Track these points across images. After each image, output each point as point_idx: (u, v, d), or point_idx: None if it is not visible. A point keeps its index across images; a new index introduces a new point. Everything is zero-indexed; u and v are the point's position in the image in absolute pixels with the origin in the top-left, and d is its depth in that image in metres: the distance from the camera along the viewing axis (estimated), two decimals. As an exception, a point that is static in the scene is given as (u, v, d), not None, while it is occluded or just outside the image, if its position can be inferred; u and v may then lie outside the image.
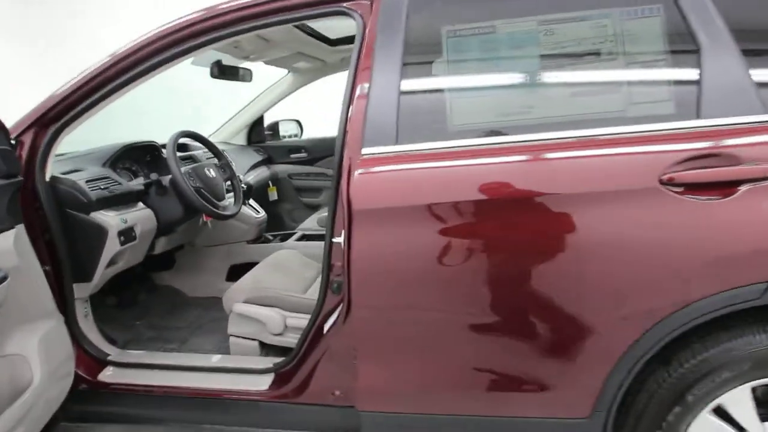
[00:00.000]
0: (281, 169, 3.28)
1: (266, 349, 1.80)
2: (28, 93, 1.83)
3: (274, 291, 1.78)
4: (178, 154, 2.19)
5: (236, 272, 2.47)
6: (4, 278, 1.19)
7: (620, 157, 1.15)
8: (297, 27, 2.04)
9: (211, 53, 2.22)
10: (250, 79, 2.46)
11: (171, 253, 2.40)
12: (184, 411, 1.64)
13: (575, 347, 1.18)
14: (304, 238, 2.52)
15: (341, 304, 1.49)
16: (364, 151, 1.30)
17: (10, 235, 1.31)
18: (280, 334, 1.73)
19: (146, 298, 2.36)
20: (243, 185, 2.33)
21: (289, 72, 2.97)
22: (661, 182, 1.08)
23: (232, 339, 1.80)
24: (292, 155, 3.29)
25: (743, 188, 1.06)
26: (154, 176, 1.85)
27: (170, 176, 1.90)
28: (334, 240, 1.43)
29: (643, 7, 1.19)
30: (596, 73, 1.25)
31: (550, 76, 1.29)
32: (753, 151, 1.07)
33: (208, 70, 2.21)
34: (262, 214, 2.49)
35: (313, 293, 1.85)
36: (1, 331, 1.30)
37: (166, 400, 1.64)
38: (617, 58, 1.21)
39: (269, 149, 3.25)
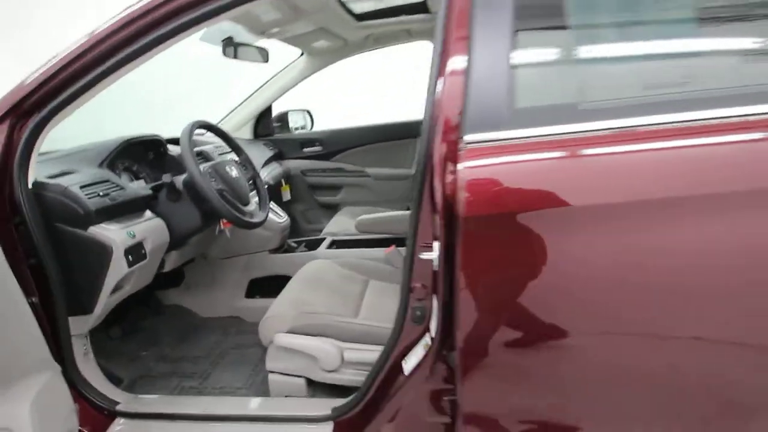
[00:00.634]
0: (293, 165, 2.92)
1: (312, 387, 1.46)
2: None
3: (325, 317, 1.43)
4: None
5: (257, 287, 2.11)
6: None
7: None
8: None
9: (222, 27, 1.85)
10: (266, 60, 2.09)
11: (179, 268, 2.02)
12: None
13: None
14: (334, 245, 2.17)
15: (426, 339, 1.16)
16: (468, 137, 0.97)
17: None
18: (334, 371, 1.40)
19: (152, 322, 1.99)
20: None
21: (302, 54, 2.60)
22: None
23: (272, 377, 1.45)
24: (306, 149, 2.93)
25: None
26: (167, 177, 1.48)
27: (184, 177, 1.53)
28: (422, 256, 1.10)
29: None
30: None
31: (717, 35, 0.98)
32: None
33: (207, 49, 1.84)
34: (285, 218, 2.14)
35: (368, 316, 1.52)
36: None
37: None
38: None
39: (279, 143, 2.88)
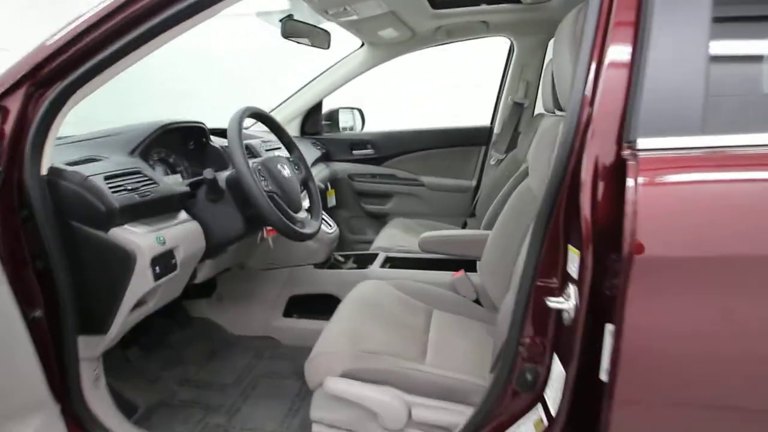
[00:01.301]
0: (340, 167, 2.65)
1: (365, 443, 1.16)
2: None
3: (388, 359, 1.14)
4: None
5: (296, 305, 1.84)
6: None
7: None
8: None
9: (281, 3, 1.59)
10: (327, 46, 1.83)
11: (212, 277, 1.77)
12: None
13: None
14: (388, 263, 1.87)
15: (538, 414, 0.85)
16: (643, 143, 0.67)
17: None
18: (398, 431, 1.10)
19: (176, 337, 1.74)
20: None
21: (362, 45, 2.34)
22: None
23: (317, 428, 1.17)
24: (355, 152, 2.66)
25: None
26: (208, 173, 1.22)
27: (229, 173, 1.27)
28: (550, 304, 0.79)
29: None
30: None
31: None
32: None
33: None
34: (335, 228, 1.86)
35: (437, 360, 1.21)
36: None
37: None
38: None
39: (327, 143, 2.62)
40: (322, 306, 1.75)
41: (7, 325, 0.81)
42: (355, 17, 1.71)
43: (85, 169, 1.05)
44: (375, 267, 1.79)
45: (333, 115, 2.74)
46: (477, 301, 1.61)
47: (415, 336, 1.31)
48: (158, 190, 1.16)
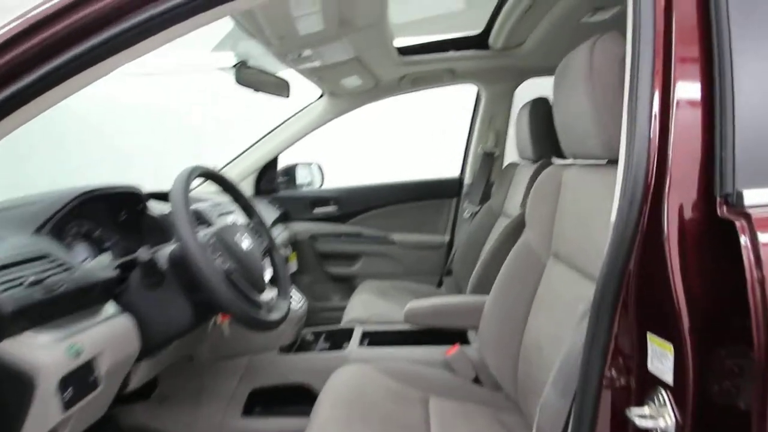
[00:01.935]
0: (301, 228, 2.40)
1: None
2: None
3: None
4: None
5: (260, 401, 1.51)
6: None
7: None
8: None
9: (238, 48, 1.39)
10: (286, 95, 1.64)
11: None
12: None
13: None
14: (367, 338, 1.61)
15: None
16: (750, 196, 0.50)
17: None
18: None
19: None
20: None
21: (321, 96, 2.17)
22: None
23: None
24: (317, 210, 2.42)
25: None
26: (143, 252, 0.94)
27: (172, 249, 1.00)
28: (634, 418, 0.57)
29: None
30: None
31: None
32: None
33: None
34: (303, 301, 1.59)
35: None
36: None
37: None
38: None
39: (285, 201, 2.38)
40: (293, 399, 1.45)
41: None
42: (318, 63, 1.53)
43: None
44: (353, 346, 1.52)
45: (290, 171, 2.51)
46: (476, 379, 1.37)
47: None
48: (74, 279, 0.86)
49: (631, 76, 0.62)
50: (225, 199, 1.62)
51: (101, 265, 0.98)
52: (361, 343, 1.55)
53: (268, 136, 2.22)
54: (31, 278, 0.79)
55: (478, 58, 1.91)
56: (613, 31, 0.88)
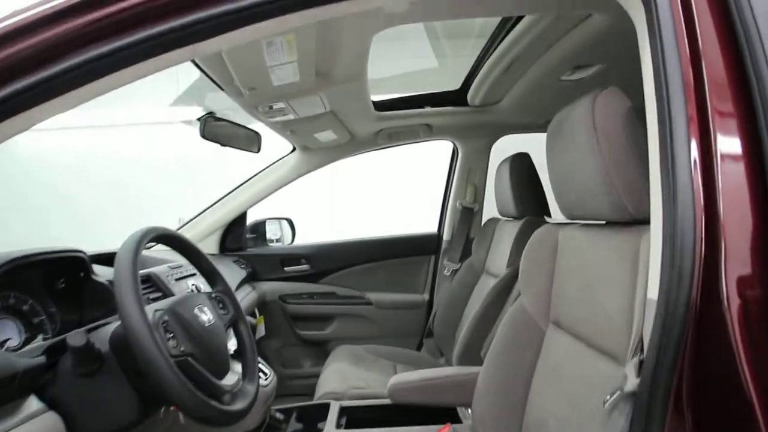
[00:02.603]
0: (270, 288, 2.23)
1: None
2: None
3: None
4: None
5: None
6: None
7: None
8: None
9: (204, 99, 1.29)
10: (257, 149, 1.54)
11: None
12: None
13: None
14: (344, 415, 1.43)
15: None
16: None
17: None
18: None
19: None
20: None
21: (294, 150, 2.09)
22: None
23: None
24: (287, 268, 2.27)
25: None
26: (75, 338, 0.77)
27: (114, 329, 0.84)
28: None
29: None
30: None
31: None
32: None
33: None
34: (271, 376, 1.40)
35: None
36: None
37: None
38: None
39: (253, 260, 2.22)
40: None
41: None
42: (291, 117, 1.45)
43: None
44: (330, 427, 1.33)
45: (259, 227, 2.38)
46: (470, 466, 1.21)
47: None
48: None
49: (661, 131, 0.54)
50: (185, 260, 1.46)
51: (24, 351, 0.81)
52: (339, 423, 1.37)
53: (235, 191, 2.10)
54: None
55: (456, 114, 1.89)
56: (612, 87, 0.84)
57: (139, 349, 0.73)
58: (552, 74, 1.45)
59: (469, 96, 1.76)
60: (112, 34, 0.54)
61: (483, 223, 2.10)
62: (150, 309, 0.83)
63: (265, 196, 2.11)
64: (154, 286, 1.24)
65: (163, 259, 1.48)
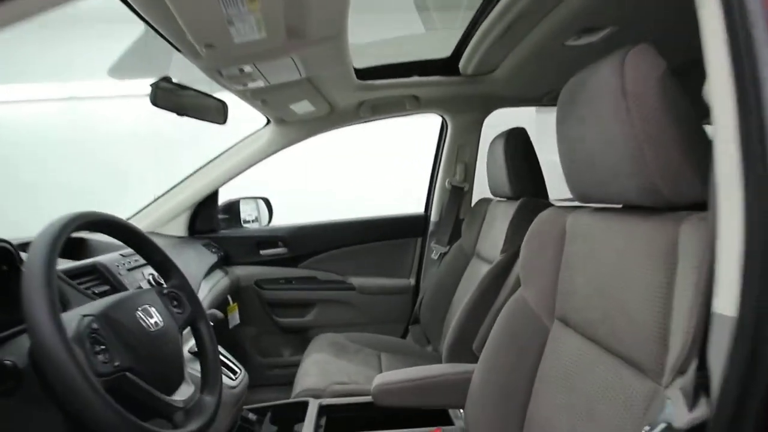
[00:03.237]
0: (245, 273, 2.08)
1: None
2: None
3: None
4: (63, 268, 1.00)
5: None
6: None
7: None
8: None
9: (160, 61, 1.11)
10: (223, 120, 1.35)
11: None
12: None
13: None
14: (324, 414, 1.30)
15: None
16: None
17: None
18: None
19: None
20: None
21: (268, 123, 1.90)
22: None
23: None
24: (263, 251, 2.12)
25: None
26: None
27: (32, 343, 0.68)
28: None
29: None
30: None
31: None
32: None
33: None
34: (241, 375, 1.26)
35: None
36: None
37: None
38: None
39: (226, 242, 2.05)
40: None
41: None
42: (261, 84, 1.27)
43: None
44: (307, 429, 1.20)
45: (232, 208, 2.20)
46: (462, 472, 1.10)
47: None
48: None
49: (740, 92, 0.40)
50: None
51: None
52: (317, 427, 1.24)
53: (205, 168, 1.91)
54: None
55: (446, 84, 1.72)
56: (643, 44, 0.69)
57: (52, 368, 0.58)
58: (556, 38, 1.30)
59: (461, 64, 1.60)
60: None
61: (473, 203, 1.96)
62: (74, 315, 0.67)
63: (238, 174, 1.94)
64: (100, 278, 1.07)
65: (118, 244, 1.31)
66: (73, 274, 1.00)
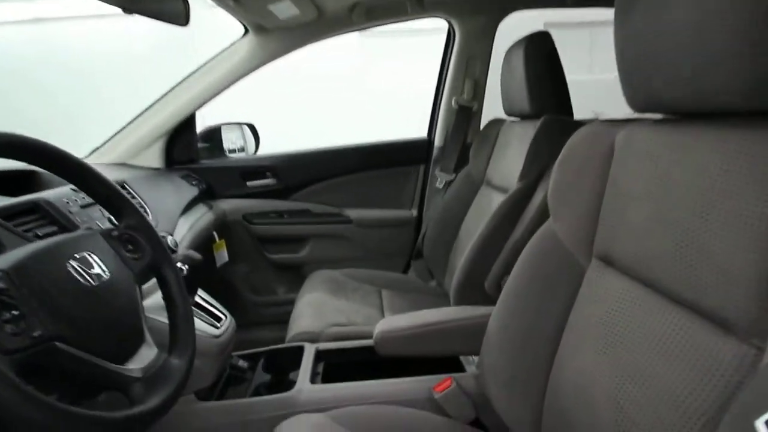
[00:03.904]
0: (231, 206, 1.91)
1: None
2: None
3: None
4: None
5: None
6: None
7: None
8: None
9: None
10: (184, 21, 1.10)
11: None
12: None
13: None
14: (321, 361, 1.18)
15: None
16: None
17: None
18: None
19: None
20: (183, 267, 0.96)
21: (246, 33, 1.63)
22: None
23: None
24: (250, 183, 1.93)
25: None
26: None
27: None
28: None
29: None
30: None
31: None
32: None
33: None
34: (227, 322, 1.12)
35: None
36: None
37: None
38: None
39: (208, 173, 1.86)
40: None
41: None
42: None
43: None
44: (303, 382, 1.08)
45: (214, 135, 1.99)
46: (476, 422, 1.00)
47: None
48: None
49: None
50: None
51: None
52: (314, 375, 1.12)
53: (176, 90, 1.67)
54: None
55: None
56: None
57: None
58: None
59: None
60: None
61: (483, 125, 1.75)
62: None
63: (215, 95, 1.70)
64: (46, 216, 0.89)
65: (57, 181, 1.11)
66: (8, 213, 0.82)
